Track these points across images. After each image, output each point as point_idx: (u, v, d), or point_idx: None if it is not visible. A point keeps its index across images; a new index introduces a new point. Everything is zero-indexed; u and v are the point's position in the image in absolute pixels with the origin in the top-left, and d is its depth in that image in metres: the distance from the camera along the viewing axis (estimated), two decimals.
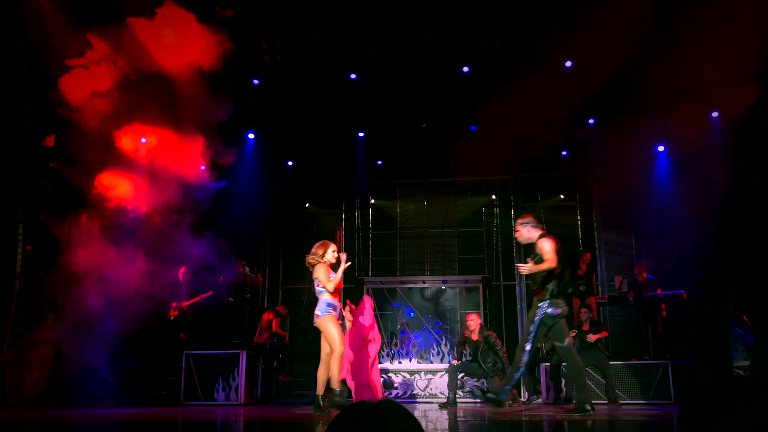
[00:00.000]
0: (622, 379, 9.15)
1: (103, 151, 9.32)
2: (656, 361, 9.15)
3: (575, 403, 5.73)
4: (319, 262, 6.31)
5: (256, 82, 10.12)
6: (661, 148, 10.90)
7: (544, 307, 5.67)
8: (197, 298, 10.19)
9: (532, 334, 5.66)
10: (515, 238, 11.53)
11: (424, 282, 11.56)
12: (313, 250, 6.38)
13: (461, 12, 8.86)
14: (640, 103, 9.42)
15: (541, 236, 5.93)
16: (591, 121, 10.73)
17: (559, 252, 5.76)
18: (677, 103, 8.95)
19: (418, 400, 10.01)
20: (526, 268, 5.67)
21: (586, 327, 9.38)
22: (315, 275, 6.33)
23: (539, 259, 5.69)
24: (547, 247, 5.71)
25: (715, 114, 9.87)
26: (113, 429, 5.39)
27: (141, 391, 9.34)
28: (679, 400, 8.22)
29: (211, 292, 10.28)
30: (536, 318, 5.67)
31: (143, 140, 10.20)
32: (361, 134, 11.65)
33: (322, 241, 6.45)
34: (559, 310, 5.72)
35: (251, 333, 10.17)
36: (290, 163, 12.08)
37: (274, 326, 10.16)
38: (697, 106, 9.34)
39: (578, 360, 5.89)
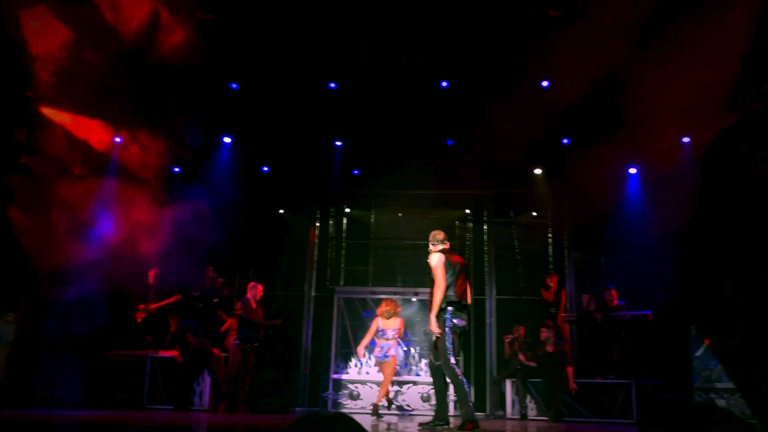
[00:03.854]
0: (587, 397, 9.25)
1: (73, 147, 9.21)
2: (620, 381, 9.26)
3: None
4: None
5: (234, 86, 10.08)
6: (633, 171, 11.07)
7: (450, 316, 5.77)
8: (165, 302, 10.09)
9: (450, 345, 5.70)
10: (486, 253, 11.71)
11: (395, 293, 11.55)
12: None
13: (441, 27, 8.93)
14: (613, 125, 9.56)
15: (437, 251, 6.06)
16: (565, 140, 10.87)
17: (454, 266, 5.92)
18: (650, 126, 9.11)
19: (383, 412, 9.98)
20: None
21: (549, 348, 9.46)
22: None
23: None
24: (433, 263, 5.90)
25: (686, 139, 10.06)
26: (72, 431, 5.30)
27: (103, 394, 9.20)
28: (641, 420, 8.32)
29: (180, 296, 10.19)
30: (446, 328, 5.74)
31: (118, 139, 10.13)
32: (338, 143, 11.65)
33: None
34: (464, 322, 5.88)
35: (219, 337, 10.05)
36: (266, 168, 12.03)
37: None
38: (669, 131, 9.50)
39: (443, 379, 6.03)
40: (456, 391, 5.66)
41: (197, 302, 10.83)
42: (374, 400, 9.41)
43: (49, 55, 8.09)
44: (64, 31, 8.09)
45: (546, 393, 9.36)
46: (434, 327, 5.87)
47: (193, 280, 10.60)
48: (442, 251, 6.01)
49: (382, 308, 9.03)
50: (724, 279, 7.69)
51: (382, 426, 6.86)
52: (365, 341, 8.89)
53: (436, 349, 5.89)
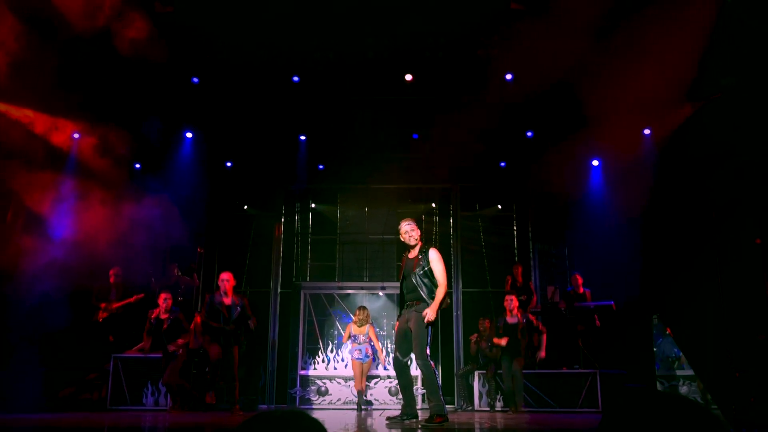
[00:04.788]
0: (552, 387, 9.35)
1: (28, 141, 8.95)
2: (585, 370, 9.38)
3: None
4: None
5: (195, 80, 9.91)
6: (595, 163, 11.21)
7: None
8: (127, 300, 9.90)
9: (429, 339, 5.69)
10: (453, 247, 11.75)
11: (362, 288, 11.54)
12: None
13: (406, 20, 8.90)
14: (576, 118, 9.66)
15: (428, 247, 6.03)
16: (529, 133, 10.95)
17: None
18: (612, 119, 9.22)
19: (353, 407, 9.97)
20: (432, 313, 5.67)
21: (510, 319, 9.21)
22: None
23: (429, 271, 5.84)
24: (433, 257, 5.88)
25: (647, 131, 10.21)
26: None
27: (65, 395, 9.01)
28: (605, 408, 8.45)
29: (142, 294, 10.01)
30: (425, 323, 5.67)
31: (76, 135, 9.90)
32: (302, 137, 11.55)
33: None
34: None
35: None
36: (229, 164, 11.87)
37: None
38: (630, 123, 9.64)
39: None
40: (428, 383, 5.62)
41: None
42: (342, 396, 9.46)
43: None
44: (10, 17, 7.76)
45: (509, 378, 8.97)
46: (431, 316, 5.64)
47: (157, 277, 10.42)
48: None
49: (356, 317, 9.84)
50: (685, 267, 7.83)
51: (350, 420, 6.84)
52: (347, 334, 9.85)
53: (403, 344, 5.84)
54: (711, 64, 7.89)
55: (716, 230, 7.43)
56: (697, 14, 7.79)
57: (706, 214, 7.58)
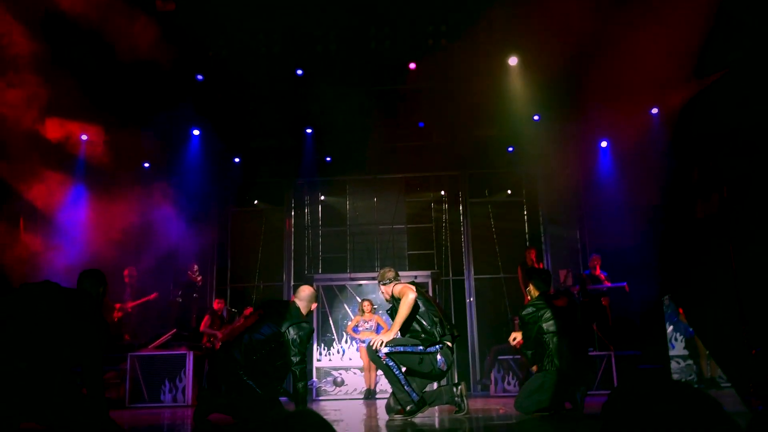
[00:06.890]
0: None
1: (34, 145, 8.98)
2: (600, 353, 9.35)
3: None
4: None
5: (200, 77, 9.92)
6: (604, 144, 11.13)
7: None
8: (142, 300, 9.97)
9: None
10: (463, 233, 11.73)
11: (373, 278, 11.53)
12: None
13: (407, 8, 8.87)
14: (583, 100, 9.59)
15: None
16: (536, 117, 10.86)
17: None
18: (619, 99, 9.14)
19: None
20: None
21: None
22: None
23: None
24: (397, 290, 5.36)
25: (654, 110, 10.13)
26: None
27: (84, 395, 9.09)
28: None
29: (156, 294, 10.08)
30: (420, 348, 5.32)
31: (84, 137, 9.95)
32: (309, 130, 11.55)
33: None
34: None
35: (198, 333, 9.98)
36: (237, 159, 11.90)
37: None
38: (637, 103, 9.56)
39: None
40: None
41: (176, 299, 10.74)
42: (358, 386, 9.51)
43: None
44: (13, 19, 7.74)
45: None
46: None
47: (170, 276, 10.49)
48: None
49: (363, 307, 10.21)
50: (697, 245, 7.77)
51: (362, 416, 6.87)
52: (351, 325, 10.20)
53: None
54: (717, 40, 7.80)
55: (728, 206, 7.35)
56: None
57: (717, 190, 7.50)
